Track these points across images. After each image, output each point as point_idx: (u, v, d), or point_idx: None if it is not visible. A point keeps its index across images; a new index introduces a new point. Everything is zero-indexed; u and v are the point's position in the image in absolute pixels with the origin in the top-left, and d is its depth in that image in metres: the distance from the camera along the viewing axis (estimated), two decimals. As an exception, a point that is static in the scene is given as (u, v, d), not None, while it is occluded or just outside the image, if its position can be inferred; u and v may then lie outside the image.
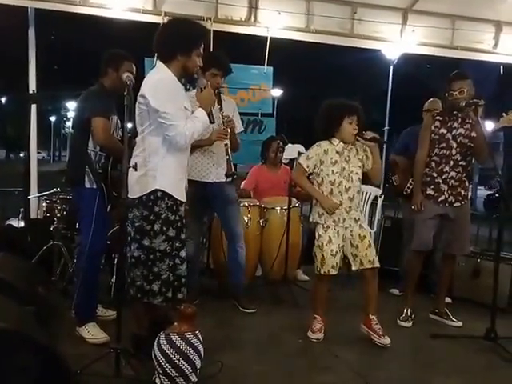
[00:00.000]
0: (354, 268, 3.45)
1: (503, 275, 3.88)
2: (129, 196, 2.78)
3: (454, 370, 3.18)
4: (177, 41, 2.87)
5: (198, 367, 2.73)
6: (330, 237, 3.43)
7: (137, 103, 2.88)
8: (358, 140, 3.45)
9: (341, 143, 3.47)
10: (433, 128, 3.92)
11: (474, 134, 3.84)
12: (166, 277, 2.91)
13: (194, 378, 2.71)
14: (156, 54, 3.06)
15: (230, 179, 3.86)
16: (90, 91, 3.43)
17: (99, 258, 3.49)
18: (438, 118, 3.94)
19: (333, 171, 3.44)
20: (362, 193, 5.45)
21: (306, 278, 5.04)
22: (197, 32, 2.97)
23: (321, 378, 2.98)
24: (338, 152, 3.47)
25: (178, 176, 2.95)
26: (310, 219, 3.62)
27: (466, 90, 3.78)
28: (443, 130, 3.90)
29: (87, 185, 3.33)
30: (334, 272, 3.43)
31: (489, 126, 4.30)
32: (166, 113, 2.79)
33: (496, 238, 3.76)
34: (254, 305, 4.05)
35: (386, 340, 3.38)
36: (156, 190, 2.85)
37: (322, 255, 3.43)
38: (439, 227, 3.94)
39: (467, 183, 3.99)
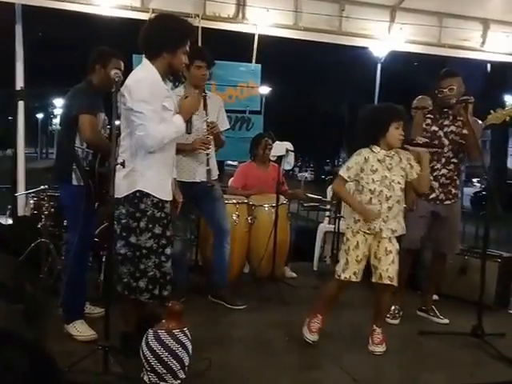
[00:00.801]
0: (373, 280, 3.35)
1: (490, 272, 3.91)
2: (115, 196, 2.79)
3: (441, 366, 3.21)
4: (163, 38, 2.84)
5: (187, 364, 2.72)
6: (358, 242, 3.29)
7: (119, 102, 2.86)
8: (405, 147, 3.30)
9: (382, 151, 3.29)
10: (424, 126, 3.93)
11: (465, 131, 3.86)
12: (153, 274, 2.90)
13: (182, 374, 2.71)
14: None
15: (210, 185, 3.91)
16: (77, 88, 3.41)
17: (87, 256, 3.47)
18: (429, 115, 3.96)
19: (373, 179, 3.27)
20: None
21: (294, 275, 5.05)
22: (183, 29, 2.92)
23: (308, 375, 3.00)
24: (379, 160, 3.29)
25: (162, 176, 2.93)
26: (346, 226, 3.43)
27: (455, 88, 3.80)
28: (435, 128, 3.91)
29: (74, 182, 3.31)
30: (354, 279, 3.27)
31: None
32: (139, 112, 2.76)
33: (483, 236, 3.78)
34: (241, 302, 4.05)
35: (377, 348, 3.32)
36: (138, 191, 2.85)
37: (347, 259, 3.29)
38: (429, 225, 3.96)
39: (458, 182, 3.99)
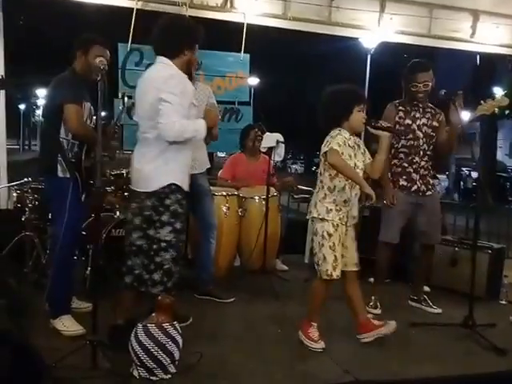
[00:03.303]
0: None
1: (480, 264, 3.91)
2: (143, 190, 2.97)
3: (432, 357, 3.20)
4: (184, 36, 3.04)
5: (177, 358, 2.70)
6: (339, 236, 3.16)
7: (148, 99, 2.94)
8: (367, 129, 3.23)
9: (351, 136, 3.19)
10: (397, 119, 3.93)
11: (435, 123, 3.92)
12: (168, 267, 2.97)
13: (172, 369, 2.68)
14: (155, 50, 3.11)
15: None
16: (61, 77, 3.32)
17: (73, 249, 3.40)
18: (400, 108, 3.95)
19: None
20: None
21: (285, 267, 5.01)
22: (198, 27, 3.13)
23: (300, 367, 2.97)
24: (349, 145, 3.18)
25: (186, 170, 3.12)
26: (314, 214, 3.19)
27: (430, 84, 3.84)
28: (408, 121, 3.92)
29: (60, 174, 3.23)
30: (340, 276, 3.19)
31: (465, 115, 4.34)
32: (166, 101, 2.87)
33: (473, 227, 3.79)
34: (231, 295, 4.01)
35: (391, 325, 3.28)
36: (171, 184, 2.97)
37: (335, 257, 3.13)
38: (410, 217, 3.96)
39: (432, 172, 4.04)
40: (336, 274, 3.15)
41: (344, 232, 3.23)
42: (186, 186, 3.07)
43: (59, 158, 3.23)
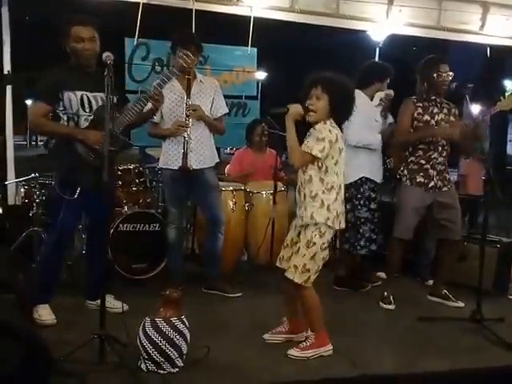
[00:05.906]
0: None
1: (489, 258, 3.88)
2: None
3: (439, 351, 3.19)
4: (376, 73, 4.26)
5: (185, 352, 2.71)
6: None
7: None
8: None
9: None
10: (416, 115, 3.89)
11: (452, 118, 3.90)
12: (369, 235, 4.17)
13: (180, 362, 2.70)
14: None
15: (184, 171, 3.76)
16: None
17: (57, 247, 3.33)
18: (418, 104, 3.90)
19: None
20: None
21: (292, 262, 5.00)
22: (383, 66, 4.43)
23: (307, 362, 2.96)
24: None
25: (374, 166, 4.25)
26: None
27: (451, 76, 3.79)
28: (427, 117, 3.88)
29: None
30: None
31: (475, 109, 4.30)
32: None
33: (482, 222, 3.76)
34: (238, 289, 4.02)
35: (293, 352, 2.98)
36: (362, 177, 4.10)
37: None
38: (427, 214, 3.95)
39: (448, 168, 4.03)
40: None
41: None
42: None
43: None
